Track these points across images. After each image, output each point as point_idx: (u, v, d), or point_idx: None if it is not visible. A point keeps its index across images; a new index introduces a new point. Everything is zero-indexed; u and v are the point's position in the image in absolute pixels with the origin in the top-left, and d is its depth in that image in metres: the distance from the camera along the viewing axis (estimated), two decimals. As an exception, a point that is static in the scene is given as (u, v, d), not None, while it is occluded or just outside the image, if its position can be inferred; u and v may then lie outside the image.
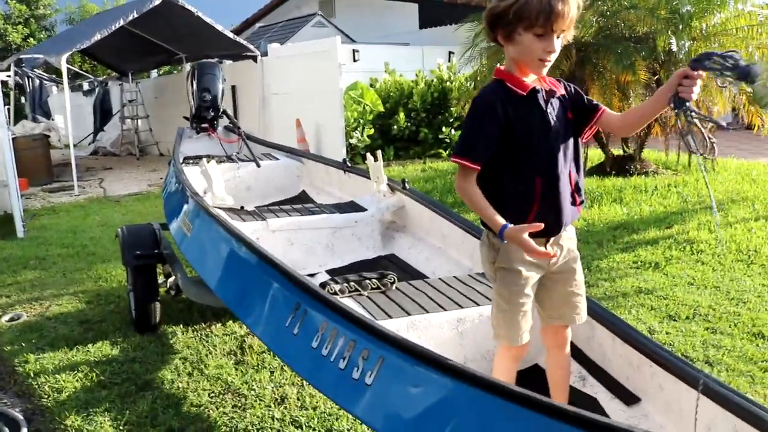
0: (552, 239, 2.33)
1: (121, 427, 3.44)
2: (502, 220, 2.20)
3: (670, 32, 8.52)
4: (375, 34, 17.75)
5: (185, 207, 4.20)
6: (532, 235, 2.17)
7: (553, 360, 2.54)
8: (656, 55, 8.62)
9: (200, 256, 3.75)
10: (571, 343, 2.70)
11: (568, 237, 2.40)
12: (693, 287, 5.17)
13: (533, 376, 2.77)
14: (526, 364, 2.82)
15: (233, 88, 14.27)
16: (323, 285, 2.99)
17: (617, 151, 9.93)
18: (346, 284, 3.02)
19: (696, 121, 2.02)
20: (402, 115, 12.04)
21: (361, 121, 11.66)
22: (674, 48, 8.48)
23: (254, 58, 13.40)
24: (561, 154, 2.29)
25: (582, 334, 2.72)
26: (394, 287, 3.10)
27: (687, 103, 2.02)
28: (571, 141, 2.34)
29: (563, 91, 2.37)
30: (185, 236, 4.06)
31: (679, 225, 6.85)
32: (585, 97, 2.40)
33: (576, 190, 2.35)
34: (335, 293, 2.95)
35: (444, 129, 12.14)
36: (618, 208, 7.67)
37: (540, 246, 2.22)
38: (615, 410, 2.48)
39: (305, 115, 11.89)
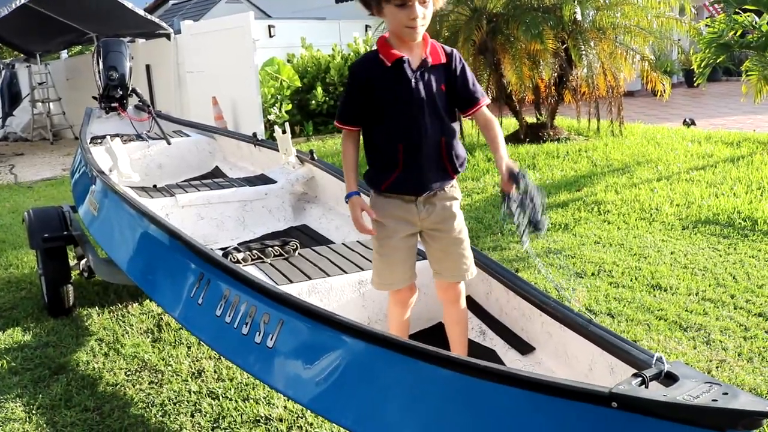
0: (423, 197, 2.48)
1: (33, 411, 3.40)
2: (353, 187, 2.52)
3: (575, 2, 8.76)
4: (291, 9, 17.54)
5: (92, 187, 4.14)
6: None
7: (447, 316, 2.67)
8: (563, 25, 8.85)
9: (108, 235, 3.72)
10: (471, 298, 2.83)
11: (447, 197, 2.53)
12: (599, 245, 5.41)
13: (437, 334, 2.88)
14: (430, 323, 2.94)
15: (147, 67, 13.91)
16: (226, 254, 3.02)
17: (531, 119, 10.19)
18: (248, 252, 3.06)
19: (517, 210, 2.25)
20: (320, 89, 12.00)
21: (279, 96, 11.57)
22: (579, 17, 8.74)
23: (167, 36, 13.09)
24: (426, 124, 2.42)
25: (480, 290, 2.84)
26: (296, 253, 3.16)
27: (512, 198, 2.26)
28: (443, 111, 2.45)
29: (444, 61, 2.46)
30: (93, 216, 4.01)
31: (588, 188, 7.12)
32: (470, 84, 2.49)
33: (449, 158, 2.48)
34: (238, 261, 2.99)
35: (364, 103, 12.17)
36: (531, 173, 7.90)
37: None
38: (512, 360, 2.62)
39: (222, 92, 11.73)
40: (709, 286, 4.45)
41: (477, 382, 1.74)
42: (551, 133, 9.76)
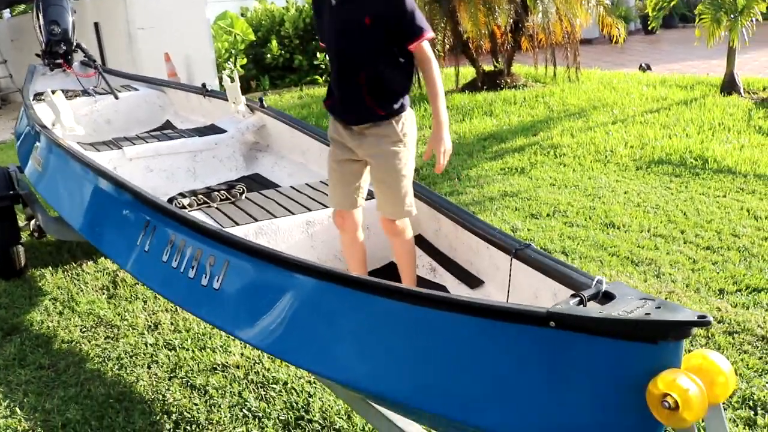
0: (355, 128, 2.53)
1: (-13, 373, 3.36)
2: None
3: (529, -55, 8.69)
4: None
5: (36, 144, 4.03)
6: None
7: (394, 249, 2.72)
8: (518, -31, 8.78)
9: (54, 192, 3.64)
10: (421, 236, 2.84)
11: (381, 134, 2.49)
12: (554, 187, 5.46)
13: (388, 272, 2.90)
14: (381, 262, 2.94)
15: (96, 25, 13.48)
16: (171, 200, 2.98)
17: (488, 67, 10.14)
18: (194, 197, 3.02)
19: None
20: (275, 43, 11.79)
21: (233, 51, 11.36)
22: (534, -39, 8.67)
23: (115, -8, 12.68)
24: (349, 56, 2.42)
25: (430, 227, 2.85)
26: (243, 197, 3.13)
27: None
28: (368, 45, 2.38)
29: None
30: (39, 174, 3.91)
31: (545, 132, 7.15)
32: (407, 17, 2.36)
33: (371, 94, 2.41)
34: (183, 207, 2.95)
35: (318, 55, 11.98)
36: (488, 120, 7.90)
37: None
38: (461, 294, 2.63)
39: (174, 48, 11.46)
40: (661, 222, 4.53)
41: (423, 310, 1.74)
42: (508, 81, 9.73)
